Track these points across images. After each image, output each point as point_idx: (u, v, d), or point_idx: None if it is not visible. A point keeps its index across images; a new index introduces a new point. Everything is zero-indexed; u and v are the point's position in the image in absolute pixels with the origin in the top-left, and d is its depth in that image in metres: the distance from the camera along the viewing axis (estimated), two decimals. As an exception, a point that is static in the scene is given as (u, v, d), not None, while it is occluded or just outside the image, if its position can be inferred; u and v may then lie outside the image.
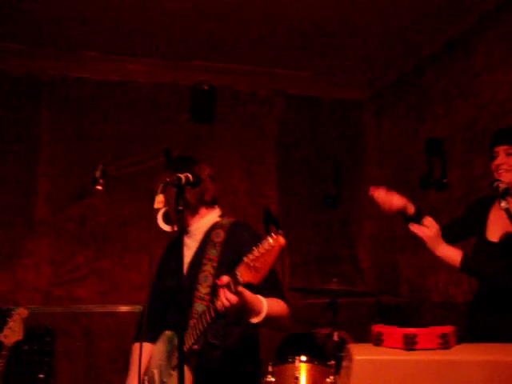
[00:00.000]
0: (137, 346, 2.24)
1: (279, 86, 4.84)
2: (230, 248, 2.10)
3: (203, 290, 2.06)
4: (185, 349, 1.89)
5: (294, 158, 4.86)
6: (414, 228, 2.18)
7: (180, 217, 1.76)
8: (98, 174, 3.36)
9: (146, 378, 2.16)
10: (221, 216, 2.26)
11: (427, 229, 2.17)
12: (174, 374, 1.97)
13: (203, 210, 2.22)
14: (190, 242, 2.22)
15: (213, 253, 2.11)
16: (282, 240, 1.65)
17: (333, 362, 2.72)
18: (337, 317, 3.37)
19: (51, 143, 4.34)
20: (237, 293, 1.72)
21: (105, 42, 4.23)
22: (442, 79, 4.11)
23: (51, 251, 4.22)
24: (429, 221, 2.19)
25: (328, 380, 2.72)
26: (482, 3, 3.62)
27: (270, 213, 4.28)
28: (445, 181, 3.91)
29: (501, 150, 2.31)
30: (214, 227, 2.19)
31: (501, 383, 1.64)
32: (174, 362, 2.00)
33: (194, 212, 2.20)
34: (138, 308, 3.96)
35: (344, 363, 1.97)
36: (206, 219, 2.22)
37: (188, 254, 2.20)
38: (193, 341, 1.93)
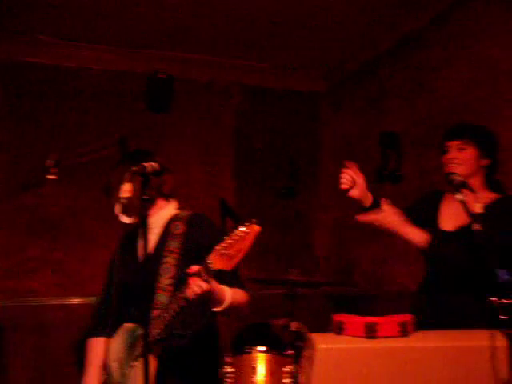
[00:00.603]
0: (92, 341, 2.23)
1: (236, 77, 4.83)
2: (190, 240, 2.11)
3: (165, 281, 2.06)
4: (150, 339, 1.90)
5: (252, 150, 4.86)
6: (362, 217, 2.25)
7: (144, 206, 1.76)
8: (50, 162, 3.28)
9: (104, 373, 2.14)
10: (179, 208, 2.26)
11: (386, 212, 2.23)
12: (137, 364, 1.97)
13: (161, 202, 2.21)
14: (148, 234, 2.18)
15: (173, 245, 2.11)
16: (256, 227, 1.70)
17: (291, 352, 2.75)
18: (294, 307, 3.40)
19: (2, 129, 4.19)
20: (208, 280, 1.77)
21: (61, 28, 4.12)
22: (398, 73, 4.20)
23: (2, 242, 4.08)
24: (386, 203, 2.25)
25: (286, 369, 2.75)
26: (437, 2, 3.72)
27: (227, 204, 4.27)
28: (399, 174, 4.00)
29: (453, 144, 2.39)
30: (172, 220, 2.19)
31: (457, 367, 1.71)
32: (137, 353, 2.00)
33: (152, 204, 2.18)
34: (92, 300, 3.87)
35: (306, 353, 2.00)
36: (164, 212, 2.21)
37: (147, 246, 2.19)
38: (159, 330, 1.94)
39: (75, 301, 4.15)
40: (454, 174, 2.19)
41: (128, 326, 2.10)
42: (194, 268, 1.79)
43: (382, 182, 4.14)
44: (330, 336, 1.88)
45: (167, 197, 2.24)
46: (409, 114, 4.04)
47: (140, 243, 2.16)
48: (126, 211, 2.07)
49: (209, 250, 1.82)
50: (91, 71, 4.47)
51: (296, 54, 4.59)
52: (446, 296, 2.34)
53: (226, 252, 1.72)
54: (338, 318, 1.93)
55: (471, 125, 2.51)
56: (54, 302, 4.12)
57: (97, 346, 2.20)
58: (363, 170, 4.45)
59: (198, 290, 1.78)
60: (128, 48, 4.45)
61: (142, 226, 1.81)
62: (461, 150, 2.36)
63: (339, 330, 1.89)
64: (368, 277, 4.46)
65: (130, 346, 2.03)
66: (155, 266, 2.10)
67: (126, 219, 2.06)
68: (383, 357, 1.75)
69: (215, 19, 3.99)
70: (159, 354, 1.95)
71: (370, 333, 1.81)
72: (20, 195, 4.16)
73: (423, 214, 2.47)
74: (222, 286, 1.95)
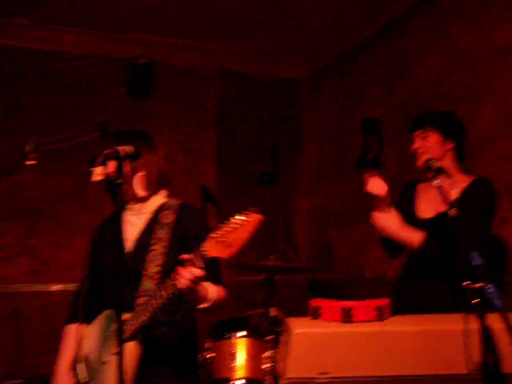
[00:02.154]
0: (69, 327, 2.19)
1: (218, 63, 4.79)
2: (180, 229, 2.10)
3: (152, 268, 2.03)
4: (135, 326, 1.89)
5: (233, 136, 4.84)
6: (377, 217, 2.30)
7: (118, 190, 1.71)
8: (28, 148, 3.22)
9: (79, 360, 2.09)
10: (168, 197, 2.24)
11: (391, 217, 2.30)
12: (113, 355, 1.90)
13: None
14: (134, 220, 2.18)
15: (162, 233, 2.08)
16: (257, 216, 1.66)
17: (270, 337, 2.76)
18: (274, 294, 3.40)
19: (-22, 115, 4.12)
20: (201, 267, 1.75)
21: (38, 10, 4.02)
22: (378, 60, 4.20)
23: (-23, 228, 4.03)
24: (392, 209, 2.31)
25: (266, 355, 2.76)
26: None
27: (208, 191, 4.25)
28: (380, 160, 4.01)
29: (416, 135, 2.47)
30: (161, 208, 2.17)
31: (432, 351, 1.72)
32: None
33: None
34: (70, 287, 3.84)
35: (282, 337, 2.01)
36: (154, 199, 2.19)
37: (132, 232, 2.15)
38: (145, 318, 1.90)
39: (53, 288, 4.11)
40: (431, 160, 2.20)
41: (109, 312, 2.06)
42: (186, 256, 1.76)
43: (362, 169, 4.16)
44: (306, 321, 1.89)
45: (163, 186, 2.22)
46: (388, 101, 4.05)
47: (125, 228, 2.14)
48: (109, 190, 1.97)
49: (196, 240, 1.82)
50: (71, 55, 4.39)
51: (278, 40, 4.56)
52: (423, 282, 2.38)
53: (222, 240, 1.68)
54: (315, 303, 1.93)
55: (431, 113, 2.59)
56: (31, 289, 4.08)
57: (71, 333, 2.16)
58: (344, 156, 4.49)
59: (189, 277, 1.75)
60: (109, 32, 4.37)
61: (118, 210, 1.82)
62: (424, 138, 2.44)
63: (316, 314, 1.90)
64: (347, 263, 4.49)
65: (111, 334, 1.99)
66: (142, 253, 2.07)
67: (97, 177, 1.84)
68: (359, 341, 1.76)
69: (197, 4, 3.94)
70: (142, 341, 1.93)
71: (347, 317, 1.82)
72: (-3, 180, 4.10)
73: (401, 208, 2.50)
74: (207, 283, 1.94)
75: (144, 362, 1.93)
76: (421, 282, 2.39)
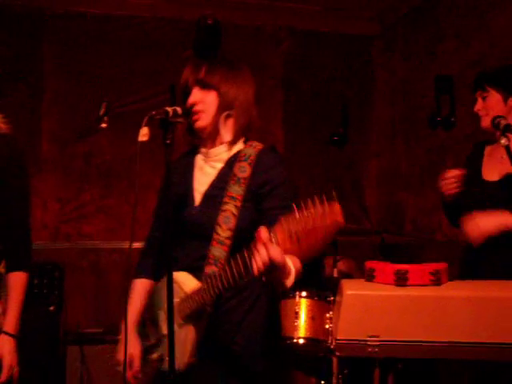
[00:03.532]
0: (136, 282, 2.03)
1: (285, 21, 4.70)
2: (254, 185, 1.77)
3: (223, 233, 1.74)
4: (197, 304, 1.65)
5: (301, 96, 4.77)
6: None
7: (169, 151, 1.60)
8: (102, 111, 3.35)
9: (147, 317, 1.93)
10: (245, 142, 1.88)
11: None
12: (185, 324, 1.71)
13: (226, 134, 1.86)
14: (206, 168, 1.88)
15: (236, 190, 1.77)
16: (337, 209, 1.26)
17: (332, 298, 2.77)
18: (336, 255, 3.40)
19: (54, 81, 4.30)
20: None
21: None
22: (454, 13, 3.96)
23: (58, 189, 4.27)
24: None
25: (327, 315, 2.78)
26: None
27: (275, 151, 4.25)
28: (453, 119, 3.83)
29: (478, 95, 2.39)
30: (237, 157, 1.82)
31: (487, 318, 1.67)
32: (186, 311, 1.71)
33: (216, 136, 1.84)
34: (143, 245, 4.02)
35: (337, 298, 2.01)
36: (232, 146, 1.86)
37: (202, 182, 1.87)
38: (209, 297, 1.62)
39: (128, 245, 4.31)
40: (498, 117, 2.09)
41: (181, 274, 1.77)
42: (264, 233, 1.34)
43: (434, 129, 3.99)
44: (360, 282, 1.88)
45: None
46: (464, 56, 3.83)
47: (195, 176, 1.88)
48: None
49: (273, 198, 1.67)
50: (140, 19, 4.47)
51: (347, -5, 4.41)
52: (492, 247, 2.28)
53: (295, 231, 1.28)
54: (370, 264, 1.92)
55: (488, 70, 2.42)
56: (108, 245, 4.31)
57: (137, 289, 2.00)
58: (416, 115, 4.32)
59: (266, 260, 1.34)
60: (176, -6, 4.41)
61: (167, 172, 1.63)
62: (484, 98, 2.35)
63: (370, 276, 1.88)
64: (417, 226, 4.38)
65: (181, 301, 1.74)
66: (211, 211, 1.78)
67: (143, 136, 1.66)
68: (413, 305, 1.73)
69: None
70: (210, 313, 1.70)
71: (400, 280, 1.79)
72: (74, 144, 4.30)
73: (468, 170, 2.41)
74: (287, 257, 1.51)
75: (210, 332, 1.72)
76: (491, 247, 2.28)
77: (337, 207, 1.26)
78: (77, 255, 4.26)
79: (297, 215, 1.27)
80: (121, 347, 1.87)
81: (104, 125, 3.38)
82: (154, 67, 4.43)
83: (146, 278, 2.02)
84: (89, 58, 4.35)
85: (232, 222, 1.74)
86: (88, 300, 4.26)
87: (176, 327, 1.64)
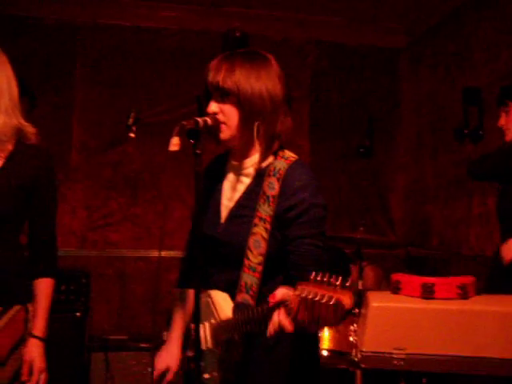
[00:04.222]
0: (179, 292, 1.88)
1: (312, 34, 4.73)
2: (281, 206, 1.63)
3: (255, 259, 1.62)
4: (226, 335, 1.59)
5: (327, 108, 4.79)
6: None
7: (198, 161, 1.53)
8: (130, 121, 3.41)
9: (189, 332, 1.77)
10: (275, 153, 1.69)
11: None
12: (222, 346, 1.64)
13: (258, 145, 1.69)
14: (235, 181, 1.74)
15: (266, 211, 1.62)
16: (348, 300, 1.20)
17: (357, 310, 2.76)
18: (361, 266, 3.37)
19: (84, 91, 4.40)
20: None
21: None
22: (482, 25, 3.94)
23: (86, 197, 4.35)
24: None
25: (352, 328, 2.77)
26: None
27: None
28: (481, 132, 3.79)
29: (501, 110, 2.33)
30: (267, 172, 1.66)
31: (516, 334, 1.65)
32: (224, 334, 1.63)
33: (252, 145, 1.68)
34: (169, 254, 4.05)
35: (362, 310, 2.01)
36: (262, 158, 1.68)
37: (230, 197, 1.74)
38: (237, 334, 1.56)
39: (154, 254, 4.36)
40: None
41: (217, 296, 1.69)
42: (278, 296, 1.36)
43: (461, 142, 3.96)
44: (385, 295, 1.88)
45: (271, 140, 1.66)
46: (493, 69, 3.80)
47: (224, 187, 1.76)
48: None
49: (294, 223, 1.57)
50: (169, 31, 4.55)
51: (374, 7, 4.41)
52: None
53: (311, 302, 1.23)
54: (396, 277, 1.91)
55: (508, 86, 2.40)
56: (134, 254, 4.36)
57: (188, 298, 1.82)
58: (443, 128, 4.29)
59: (276, 328, 1.37)
60: (204, 6, 4.47)
61: (196, 183, 1.53)
62: (506, 113, 2.30)
63: (396, 289, 1.88)
64: (443, 239, 4.33)
65: (218, 320, 1.67)
66: (240, 232, 1.66)
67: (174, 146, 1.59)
68: (439, 318, 1.72)
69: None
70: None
71: (427, 294, 1.78)
72: (103, 153, 4.38)
73: None
74: None
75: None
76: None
77: (346, 297, 1.20)
78: (103, 263, 4.32)
79: (313, 287, 1.24)
80: (163, 354, 1.81)
81: (132, 134, 3.44)
82: (182, 78, 4.50)
83: (189, 288, 1.83)
84: (118, 69, 4.44)
85: (263, 247, 1.62)
86: (113, 307, 4.32)
87: (214, 346, 1.64)
